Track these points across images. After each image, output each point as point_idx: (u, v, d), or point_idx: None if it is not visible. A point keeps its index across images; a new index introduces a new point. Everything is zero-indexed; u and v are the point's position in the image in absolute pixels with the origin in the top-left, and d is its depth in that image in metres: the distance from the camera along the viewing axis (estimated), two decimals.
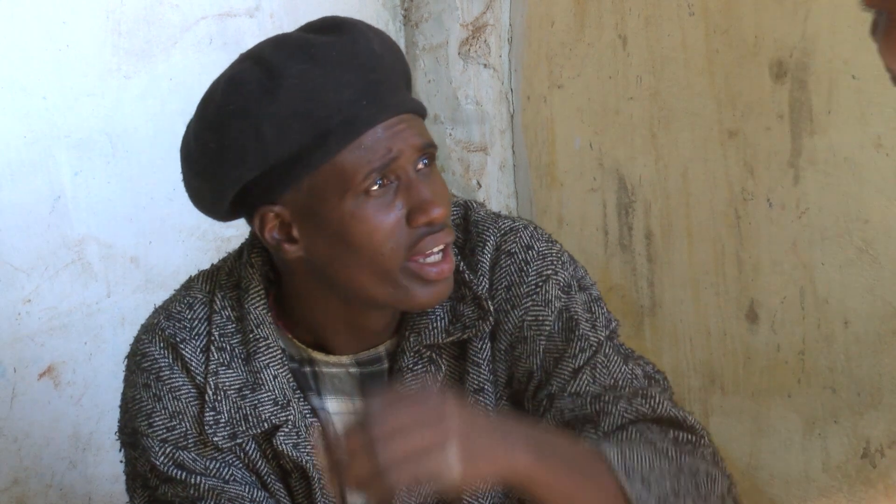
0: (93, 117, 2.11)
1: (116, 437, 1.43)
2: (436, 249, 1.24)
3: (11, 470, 2.07)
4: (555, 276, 1.34)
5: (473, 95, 2.65)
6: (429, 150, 1.26)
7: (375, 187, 1.21)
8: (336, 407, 1.37)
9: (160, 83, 2.19)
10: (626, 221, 2.30)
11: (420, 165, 1.25)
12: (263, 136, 1.20)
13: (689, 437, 1.27)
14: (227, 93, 1.23)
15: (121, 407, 1.41)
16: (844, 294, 1.76)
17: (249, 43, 2.23)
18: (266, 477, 1.36)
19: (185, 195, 2.22)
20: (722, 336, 2.05)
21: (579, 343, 1.31)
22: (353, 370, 1.35)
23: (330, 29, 1.25)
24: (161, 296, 2.20)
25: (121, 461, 1.44)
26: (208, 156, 1.25)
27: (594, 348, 1.32)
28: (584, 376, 1.30)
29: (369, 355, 1.35)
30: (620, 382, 1.30)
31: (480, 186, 2.64)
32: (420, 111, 1.28)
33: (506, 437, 1.10)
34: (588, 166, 2.37)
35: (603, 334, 1.33)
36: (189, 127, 1.29)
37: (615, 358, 1.32)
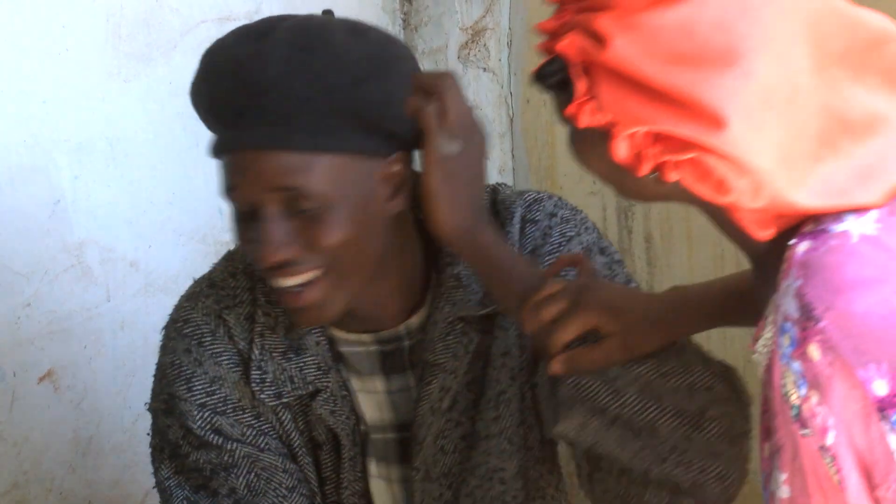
0: (92, 121, 2.11)
1: (147, 408, 1.44)
2: (277, 284, 1.25)
3: (11, 474, 2.07)
4: (578, 237, 1.37)
5: (473, 99, 2.66)
6: (288, 195, 1.20)
7: (238, 210, 1.24)
8: (358, 385, 1.39)
9: (160, 87, 2.19)
10: (625, 225, 2.30)
11: (288, 208, 1.21)
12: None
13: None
14: None
15: (156, 375, 1.42)
16: None
17: None
18: (297, 449, 1.38)
19: (185, 199, 2.24)
20: (722, 339, 2.05)
21: None
22: (373, 348, 1.37)
23: (258, 36, 1.21)
24: (161, 299, 2.21)
25: (147, 433, 1.44)
26: None
27: None
28: None
29: (390, 334, 1.37)
30: None
31: None
32: (304, 148, 1.19)
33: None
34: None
35: None
36: None
37: None
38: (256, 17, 2.34)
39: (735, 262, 1.99)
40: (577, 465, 1.33)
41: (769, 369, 0.95)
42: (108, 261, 2.15)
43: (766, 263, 1.02)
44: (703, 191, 0.97)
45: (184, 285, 2.21)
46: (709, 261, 2.05)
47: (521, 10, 2.57)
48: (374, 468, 1.41)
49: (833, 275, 0.90)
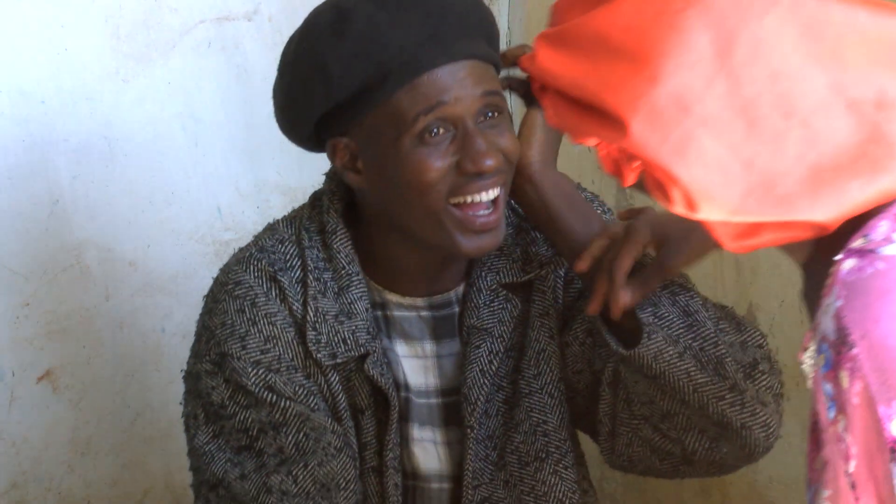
0: (91, 121, 2.11)
1: (183, 375, 1.45)
2: (480, 198, 1.30)
3: (10, 474, 2.07)
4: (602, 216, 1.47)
5: None
6: (491, 100, 1.30)
7: (430, 134, 1.28)
8: (405, 350, 1.44)
9: (158, 87, 2.19)
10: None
11: (482, 117, 1.31)
12: (329, 75, 1.28)
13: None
14: (302, 32, 1.33)
15: (199, 338, 1.44)
16: None
17: (248, 47, 2.24)
18: (342, 412, 1.41)
19: (184, 199, 2.24)
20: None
21: None
22: (424, 314, 1.43)
23: None
24: (160, 300, 2.21)
25: (180, 403, 1.45)
26: (285, 90, 1.36)
27: None
28: None
29: (442, 299, 1.43)
30: None
31: None
32: (490, 60, 1.32)
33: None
34: (587, 168, 2.37)
35: None
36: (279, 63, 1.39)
37: None
38: (255, 17, 2.36)
39: (734, 262, 1.99)
40: (599, 423, 1.41)
41: (816, 382, 0.91)
42: (107, 261, 2.15)
43: (812, 273, 0.98)
44: (659, 200, 0.94)
45: (183, 285, 2.22)
46: (707, 260, 2.05)
47: (520, 8, 2.57)
48: (417, 432, 1.45)
49: (874, 301, 0.85)
